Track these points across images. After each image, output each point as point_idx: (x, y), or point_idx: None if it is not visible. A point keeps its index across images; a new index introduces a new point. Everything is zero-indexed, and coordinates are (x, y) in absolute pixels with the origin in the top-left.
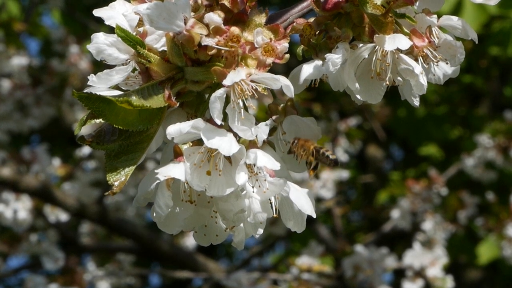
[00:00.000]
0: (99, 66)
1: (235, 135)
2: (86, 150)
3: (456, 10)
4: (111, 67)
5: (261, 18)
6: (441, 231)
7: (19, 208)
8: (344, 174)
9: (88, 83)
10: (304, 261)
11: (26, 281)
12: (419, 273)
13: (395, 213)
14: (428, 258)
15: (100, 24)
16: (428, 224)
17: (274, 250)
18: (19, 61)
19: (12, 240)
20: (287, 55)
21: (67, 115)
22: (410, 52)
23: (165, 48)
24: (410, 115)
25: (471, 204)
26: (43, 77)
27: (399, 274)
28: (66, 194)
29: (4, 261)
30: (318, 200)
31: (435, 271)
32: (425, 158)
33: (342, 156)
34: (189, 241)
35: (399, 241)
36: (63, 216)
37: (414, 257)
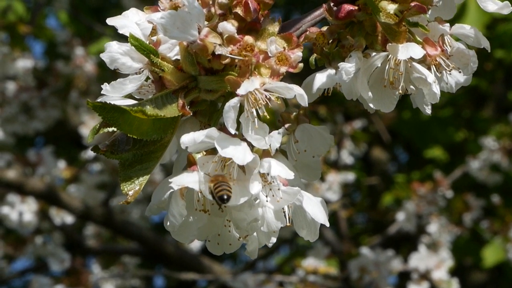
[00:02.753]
0: (104, 68)
1: (249, 144)
2: (91, 152)
3: (460, 12)
4: (122, 76)
5: (274, 27)
6: (446, 233)
7: (24, 211)
8: (350, 176)
9: (102, 92)
10: (310, 263)
11: (31, 282)
12: (425, 276)
13: (400, 216)
14: (433, 261)
15: (105, 26)
16: (433, 227)
17: (279, 252)
18: (24, 63)
19: (17, 242)
20: (301, 64)
21: (72, 117)
22: (423, 60)
23: (178, 57)
24: (415, 118)
25: (476, 207)
26: (48, 79)
27: (404, 276)
28: (71, 197)
29: (9, 264)
30: None
31: (440, 274)
32: (430, 161)
33: (347, 159)
34: (194, 244)
35: (404, 244)
36: (69, 219)
37: (420, 259)
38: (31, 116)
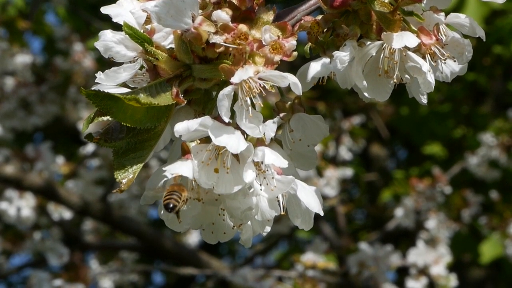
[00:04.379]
0: (103, 63)
1: (243, 132)
2: (89, 148)
3: (459, 4)
4: (116, 65)
5: (269, 16)
6: (445, 229)
7: (22, 206)
8: (348, 172)
9: (96, 81)
10: (309, 257)
11: (30, 277)
12: (423, 271)
13: (398, 212)
14: (432, 256)
15: (104, 22)
16: (431, 223)
17: (278, 248)
18: (23, 59)
19: (15, 238)
20: (295, 53)
21: (70, 113)
22: (417, 50)
23: (172, 46)
24: (413, 113)
25: (474, 203)
26: (47, 75)
27: (403, 272)
28: (69, 192)
29: (7, 259)
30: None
31: (438, 269)
32: (429, 157)
33: (346, 155)
34: (192, 239)
35: (403, 240)
36: (67, 214)
37: (418, 255)
38: (30, 111)
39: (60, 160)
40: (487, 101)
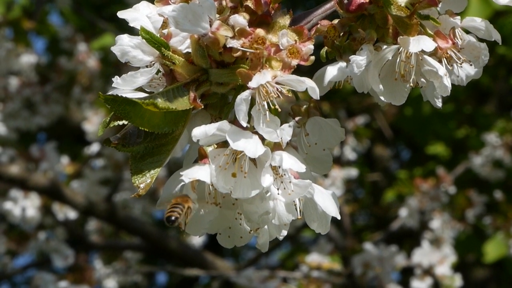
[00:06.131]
0: (107, 64)
1: (260, 137)
2: (94, 148)
3: None
4: (133, 70)
5: (285, 20)
6: (449, 229)
7: (27, 206)
8: (353, 172)
9: (113, 85)
10: (313, 258)
11: (35, 278)
12: (428, 271)
13: (403, 212)
14: (437, 257)
15: (108, 22)
16: (436, 223)
17: (281, 248)
18: (27, 59)
19: (20, 238)
20: (312, 57)
21: (74, 113)
22: (434, 53)
23: (189, 50)
24: (417, 113)
25: (479, 203)
26: (51, 75)
27: (408, 272)
28: (74, 192)
29: (12, 259)
30: None
31: (443, 270)
32: (432, 157)
33: (350, 155)
34: (196, 239)
35: (407, 240)
36: (72, 214)
37: (423, 255)
38: (34, 111)
39: (64, 160)
40: (490, 101)
